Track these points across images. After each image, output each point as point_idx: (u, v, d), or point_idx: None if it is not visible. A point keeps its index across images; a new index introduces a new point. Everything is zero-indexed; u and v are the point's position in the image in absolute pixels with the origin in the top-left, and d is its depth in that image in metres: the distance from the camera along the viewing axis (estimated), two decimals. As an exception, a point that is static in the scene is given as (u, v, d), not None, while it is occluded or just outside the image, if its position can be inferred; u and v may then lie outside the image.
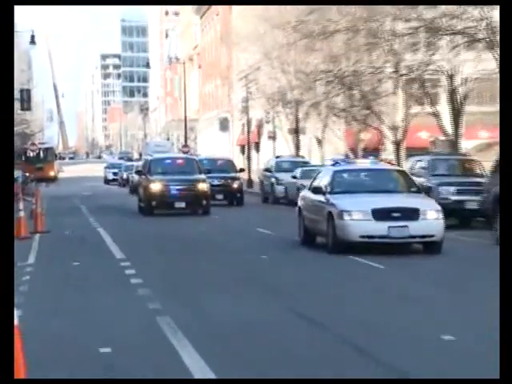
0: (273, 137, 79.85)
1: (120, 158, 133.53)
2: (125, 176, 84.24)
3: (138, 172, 44.74)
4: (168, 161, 47.89)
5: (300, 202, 30.77)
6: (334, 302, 18.61)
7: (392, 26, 46.96)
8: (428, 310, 16.92)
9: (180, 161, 47.87)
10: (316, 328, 15.01)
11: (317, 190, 27.64)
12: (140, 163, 70.07)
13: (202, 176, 42.92)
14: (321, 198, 27.08)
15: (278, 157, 67.70)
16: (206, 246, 31.31)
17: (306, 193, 31.24)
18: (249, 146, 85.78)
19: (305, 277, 22.38)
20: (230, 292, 20.74)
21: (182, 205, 38.23)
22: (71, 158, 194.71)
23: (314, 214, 28.15)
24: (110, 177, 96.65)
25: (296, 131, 71.29)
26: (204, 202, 39.16)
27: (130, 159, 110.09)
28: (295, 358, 11.77)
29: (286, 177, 55.51)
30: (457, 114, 47.91)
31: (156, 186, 38.72)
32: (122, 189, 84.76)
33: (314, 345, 12.82)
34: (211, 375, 10.92)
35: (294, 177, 53.32)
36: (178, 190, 38.48)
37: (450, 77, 47.68)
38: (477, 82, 50.04)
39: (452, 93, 47.84)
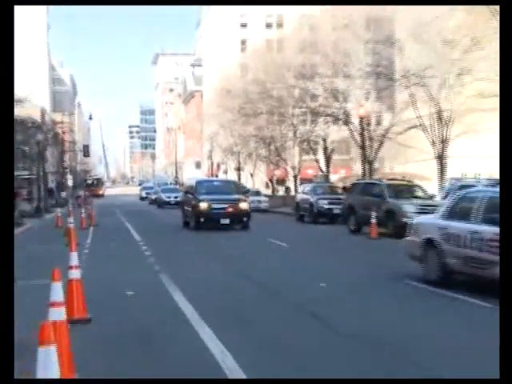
0: (225, 172, 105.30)
1: (139, 184, 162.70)
2: (153, 197, 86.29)
3: (186, 192, 43.19)
4: (211, 183, 46.19)
5: None
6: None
7: (293, 110, 66.02)
8: (307, 267, 21.77)
9: (221, 183, 47.18)
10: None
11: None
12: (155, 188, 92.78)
13: (242, 196, 41.58)
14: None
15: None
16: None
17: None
18: (214, 176, 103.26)
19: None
20: (193, 259, 25.17)
21: (227, 221, 37.16)
22: (112, 183, 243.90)
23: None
24: (144, 195, 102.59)
25: (238, 169, 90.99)
26: (245, 219, 37.97)
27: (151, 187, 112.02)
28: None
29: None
30: (327, 160, 66.04)
31: (204, 205, 37.32)
32: (150, 205, 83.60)
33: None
34: (186, 301, 14.80)
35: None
36: (223, 208, 37.31)
37: (324, 140, 65.92)
38: (338, 142, 67.21)
39: (325, 148, 65.99)
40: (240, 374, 9.17)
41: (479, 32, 39.41)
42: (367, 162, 52.83)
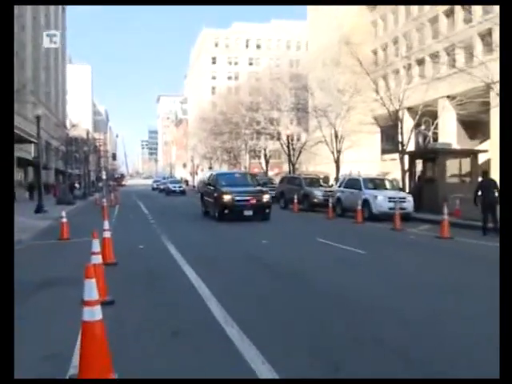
0: (202, 170, 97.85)
1: (145, 178, 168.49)
2: (162, 187, 74.05)
3: (209, 184, 29.57)
4: (232, 175, 32.44)
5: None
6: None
7: (244, 131, 65.33)
8: (258, 232, 19.31)
9: (240, 175, 33.03)
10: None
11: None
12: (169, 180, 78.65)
13: (263, 188, 29.34)
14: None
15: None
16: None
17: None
18: (193, 174, 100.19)
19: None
20: (185, 223, 24.05)
21: (250, 213, 26.22)
22: (130, 177, 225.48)
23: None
24: (155, 186, 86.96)
25: (210, 168, 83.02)
26: (267, 211, 26.77)
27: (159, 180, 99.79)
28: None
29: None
30: (267, 162, 65.62)
31: (228, 197, 26.16)
32: (159, 193, 69.25)
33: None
34: (178, 254, 13.61)
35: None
36: (246, 200, 26.32)
37: (264, 149, 66.22)
38: (273, 151, 66.94)
39: (265, 155, 65.84)
40: (206, 291, 9.06)
41: (358, 85, 40.76)
42: (291, 163, 52.69)
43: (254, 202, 24.99)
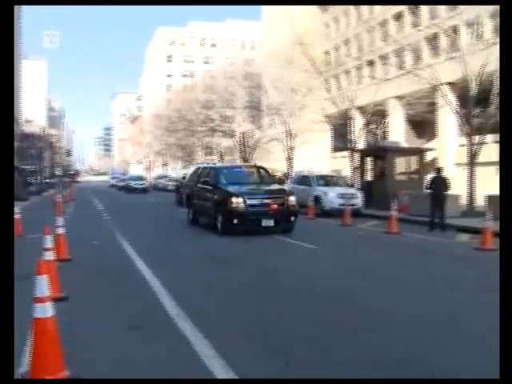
0: (157, 166, 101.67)
1: (100, 174, 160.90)
2: (121, 184, 66.14)
3: (204, 182, 19.52)
4: (237, 169, 22.10)
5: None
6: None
7: (199, 128, 63.62)
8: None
9: (248, 169, 22.93)
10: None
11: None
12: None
13: (285, 186, 22.03)
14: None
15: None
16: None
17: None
18: (149, 169, 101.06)
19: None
20: (135, 221, 25.24)
21: (271, 223, 17.18)
22: (86, 173, 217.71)
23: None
24: (114, 183, 76.67)
25: (165, 164, 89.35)
26: (292, 218, 17.67)
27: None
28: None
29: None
30: (222, 159, 64.62)
31: (238, 200, 17.20)
32: (118, 191, 63.17)
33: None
34: (129, 246, 13.79)
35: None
36: (265, 204, 17.37)
37: (219, 147, 65.89)
38: (228, 148, 64.60)
39: (220, 152, 65.44)
40: (155, 280, 9.35)
41: (311, 84, 41.02)
42: (245, 160, 52.08)
43: (275, 206, 16.80)
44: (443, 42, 33.18)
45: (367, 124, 39.08)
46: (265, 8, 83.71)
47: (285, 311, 7.41)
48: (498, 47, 23.79)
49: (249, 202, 16.67)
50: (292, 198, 17.29)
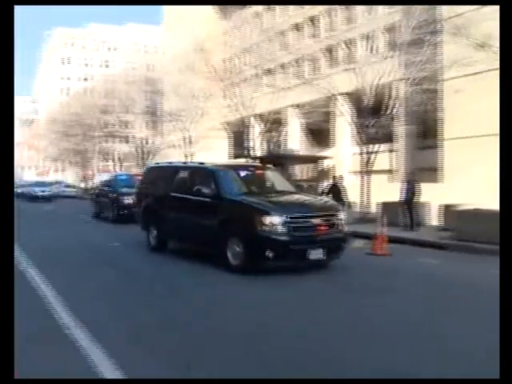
0: (53, 172, 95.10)
1: None
2: (19, 190, 50.41)
3: (197, 190, 11.71)
4: (245, 171, 13.36)
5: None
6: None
7: (98, 133, 62.77)
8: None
9: (260, 171, 13.83)
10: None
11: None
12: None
13: (329, 199, 15.53)
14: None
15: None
16: None
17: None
18: (45, 174, 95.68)
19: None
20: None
21: (320, 254, 10.29)
22: None
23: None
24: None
25: (61, 170, 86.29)
26: (342, 245, 11.03)
27: None
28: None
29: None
30: (121, 165, 64.37)
31: (275, 220, 10.01)
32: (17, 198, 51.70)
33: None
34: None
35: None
36: (313, 226, 10.42)
37: (117, 152, 66.59)
38: (128, 154, 62.65)
39: (119, 157, 64.80)
40: (35, 276, 9.20)
41: (211, 91, 41.12)
42: (144, 166, 52.34)
43: (325, 229, 10.82)
44: (340, 53, 33.81)
45: (266, 131, 39.43)
46: (166, 13, 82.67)
47: None
48: (391, 60, 24.72)
49: (292, 223, 10.31)
50: (342, 216, 11.37)
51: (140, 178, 15.95)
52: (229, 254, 10.74)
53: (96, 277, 10.12)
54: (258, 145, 35.51)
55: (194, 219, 12.04)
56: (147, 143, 55.05)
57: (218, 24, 65.73)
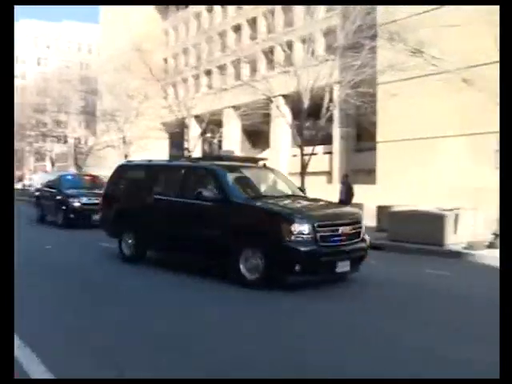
0: None
1: None
2: None
3: (198, 194, 9.94)
4: (248, 170, 11.59)
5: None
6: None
7: (30, 133, 60.69)
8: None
9: (262, 172, 12.20)
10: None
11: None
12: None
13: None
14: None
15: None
16: None
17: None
18: None
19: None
20: None
21: (347, 266, 9.12)
22: None
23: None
24: None
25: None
26: (365, 256, 9.84)
27: None
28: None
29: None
30: (53, 165, 64.09)
31: (304, 229, 8.64)
32: None
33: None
34: None
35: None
36: (341, 236, 9.12)
37: (50, 152, 64.56)
38: (61, 154, 63.62)
39: (51, 158, 63.10)
40: None
41: (148, 92, 40.89)
42: (78, 166, 51.12)
43: (352, 240, 9.56)
44: (279, 55, 34.09)
45: (203, 133, 39.46)
46: (103, 11, 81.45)
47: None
48: (329, 63, 25.09)
49: (321, 232, 8.98)
50: (363, 224, 10.19)
51: (110, 177, 13.45)
52: (242, 267, 9.22)
53: (64, 294, 8.62)
54: (196, 146, 35.39)
55: (191, 226, 10.42)
56: (81, 143, 54.25)
57: (157, 23, 65.41)
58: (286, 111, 31.74)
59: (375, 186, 31.52)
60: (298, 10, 40.59)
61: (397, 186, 27.27)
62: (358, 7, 23.31)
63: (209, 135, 40.83)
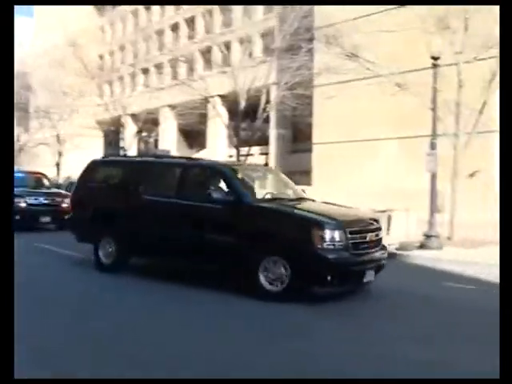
0: None
1: None
2: None
3: (208, 195, 8.77)
4: (252, 171, 11.34)
5: None
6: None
7: None
8: None
9: (263, 172, 12.26)
10: None
11: None
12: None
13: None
14: None
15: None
16: None
17: None
18: None
19: None
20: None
21: (372, 276, 8.49)
22: None
23: None
24: None
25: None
26: (385, 264, 9.11)
27: None
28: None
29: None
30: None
31: (337, 237, 7.89)
32: None
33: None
34: None
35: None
36: (368, 243, 8.51)
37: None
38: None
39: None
40: None
41: (83, 88, 40.14)
42: None
43: (376, 247, 9.02)
44: (216, 55, 34.01)
45: (139, 131, 38.95)
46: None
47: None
48: (266, 64, 25.17)
49: (352, 239, 8.30)
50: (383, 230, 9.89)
51: (81, 174, 11.69)
52: (261, 277, 8.25)
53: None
54: (132, 145, 34.90)
55: (195, 231, 9.19)
56: (16, 140, 52.50)
57: (93, 19, 64.02)
58: (223, 111, 31.65)
59: (311, 187, 31.72)
60: (237, 10, 40.50)
61: (332, 187, 27.39)
62: (298, 7, 23.45)
63: (145, 134, 40.25)
